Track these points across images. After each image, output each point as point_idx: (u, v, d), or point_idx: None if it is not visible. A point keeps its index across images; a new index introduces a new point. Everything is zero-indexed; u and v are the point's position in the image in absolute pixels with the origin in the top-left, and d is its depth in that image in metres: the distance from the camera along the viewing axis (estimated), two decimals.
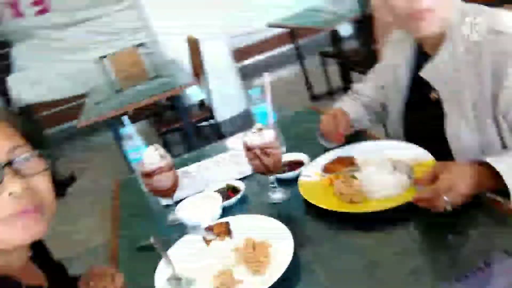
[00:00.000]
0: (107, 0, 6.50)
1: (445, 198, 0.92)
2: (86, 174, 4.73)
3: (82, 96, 4.31)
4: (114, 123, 3.20)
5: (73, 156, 5.37)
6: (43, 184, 0.79)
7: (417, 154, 1.20)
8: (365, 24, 3.44)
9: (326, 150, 1.43)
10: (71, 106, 5.56)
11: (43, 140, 0.83)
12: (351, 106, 1.50)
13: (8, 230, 0.74)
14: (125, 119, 1.26)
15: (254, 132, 1.20)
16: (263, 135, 1.20)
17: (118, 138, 3.11)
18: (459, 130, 1.16)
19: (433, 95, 1.24)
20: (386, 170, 1.10)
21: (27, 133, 0.82)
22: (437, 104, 1.22)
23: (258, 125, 1.22)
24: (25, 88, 6.25)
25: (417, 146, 1.23)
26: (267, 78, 1.26)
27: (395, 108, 1.40)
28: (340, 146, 1.41)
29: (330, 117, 1.42)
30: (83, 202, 3.98)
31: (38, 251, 0.96)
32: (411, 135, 1.34)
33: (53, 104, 6.30)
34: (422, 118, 1.31)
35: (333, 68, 4.34)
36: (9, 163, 0.74)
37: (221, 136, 3.88)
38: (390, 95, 1.43)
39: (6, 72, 6.27)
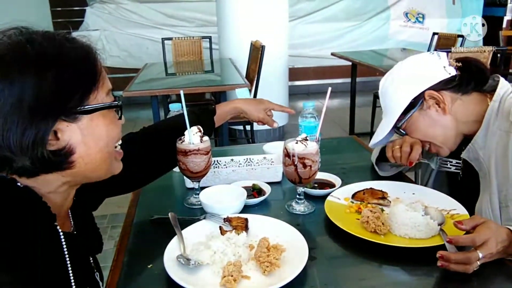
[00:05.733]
0: None
1: (480, 253, 0.91)
2: None
3: (136, 70, 4.41)
4: (155, 102, 3.29)
5: None
6: None
7: (452, 207, 1.20)
8: None
9: (360, 180, 1.43)
10: (121, 77, 5.68)
11: None
12: None
13: (115, 162, 0.87)
14: (182, 94, 1.27)
15: (299, 141, 1.22)
16: (307, 145, 1.21)
17: (157, 116, 3.18)
18: (481, 208, 1.18)
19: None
20: (416, 212, 1.09)
21: None
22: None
23: (304, 135, 1.24)
24: None
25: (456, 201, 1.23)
26: (328, 92, 1.27)
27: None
28: (378, 179, 1.43)
29: (407, 142, 1.33)
30: None
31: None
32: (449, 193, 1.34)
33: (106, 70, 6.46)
34: (462, 184, 1.34)
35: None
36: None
37: (250, 143, 3.91)
38: None
39: (75, 28, 6.51)
